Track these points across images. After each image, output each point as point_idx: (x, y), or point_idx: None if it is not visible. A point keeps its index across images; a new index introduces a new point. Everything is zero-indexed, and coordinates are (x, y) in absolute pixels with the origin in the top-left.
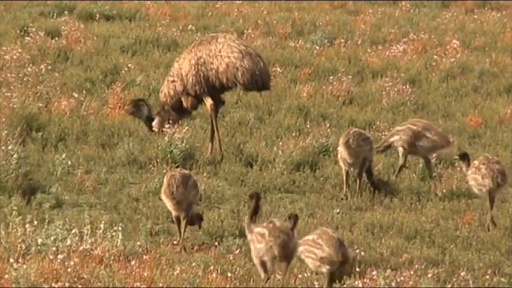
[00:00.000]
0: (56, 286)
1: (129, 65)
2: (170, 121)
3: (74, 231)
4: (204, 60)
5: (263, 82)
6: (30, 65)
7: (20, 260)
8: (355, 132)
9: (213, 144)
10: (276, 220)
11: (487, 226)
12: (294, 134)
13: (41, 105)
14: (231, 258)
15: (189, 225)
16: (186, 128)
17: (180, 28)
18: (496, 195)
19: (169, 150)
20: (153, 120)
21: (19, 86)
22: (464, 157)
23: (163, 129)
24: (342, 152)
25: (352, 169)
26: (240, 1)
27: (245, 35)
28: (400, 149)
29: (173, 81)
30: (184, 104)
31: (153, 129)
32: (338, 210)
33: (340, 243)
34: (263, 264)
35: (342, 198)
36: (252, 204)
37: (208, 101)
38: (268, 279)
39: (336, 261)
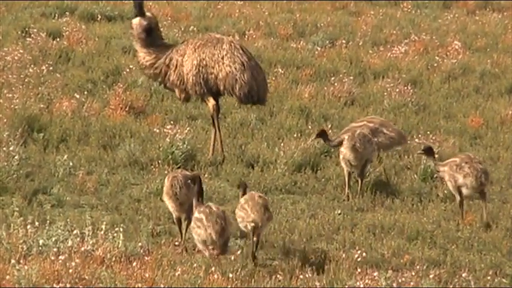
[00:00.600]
0: (57, 287)
1: (131, 66)
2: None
3: (75, 232)
4: (206, 63)
5: (259, 98)
6: (32, 66)
7: (21, 261)
8: (361, 134)
9: (215, 145)
10: (212, 204)
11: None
12: (295, 135)
13: (42, 106)
14: (232, 259)
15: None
16: (188, 129)
17: (182, 29)
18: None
19: (170, 151)
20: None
21: (20, 87)
22: (429, 151)
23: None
24: (346, 154)
25: (354, 170)
26: (242, 2)
27: (246, 36)
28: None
29: (168, 65)
30: (177, 95)
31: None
32: (339, 211)
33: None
34: (206, 247)
35: (343, 199)
36: (196, 188)
37: (210, 101)
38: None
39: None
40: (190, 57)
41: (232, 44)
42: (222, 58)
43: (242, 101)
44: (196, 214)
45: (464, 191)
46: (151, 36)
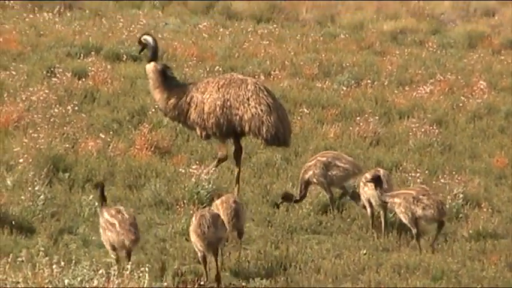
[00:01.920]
0: None
1: (156, 106)
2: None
3: (100, 271)
4: (231, 104)
5: (284, 140)
6: (57, 105)
7: None
8: (385, 174)
9: (239, 185)
10: (123, 209)
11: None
12: None
13: (67, 146)
14: None
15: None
16: (213, 169)
17: (207, 69)
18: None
19: (196, 191)
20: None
21: (46, 126)
22: (378, 180)
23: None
24: (372, 195)
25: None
26: (267, 42)
27: (272, 76)
28: (320, 183)
29: (189, 103)
30: (198, 132)
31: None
32: (365, 251)
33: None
34: (113, 249)
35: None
36: (98, 194)
37: (222, 152)
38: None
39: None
40: (213, 95)
41: (257, 85)
42: (248, 99)
43: (268, 143)
44: (107, 216)
45: (423, 222)
46: (168, 78)
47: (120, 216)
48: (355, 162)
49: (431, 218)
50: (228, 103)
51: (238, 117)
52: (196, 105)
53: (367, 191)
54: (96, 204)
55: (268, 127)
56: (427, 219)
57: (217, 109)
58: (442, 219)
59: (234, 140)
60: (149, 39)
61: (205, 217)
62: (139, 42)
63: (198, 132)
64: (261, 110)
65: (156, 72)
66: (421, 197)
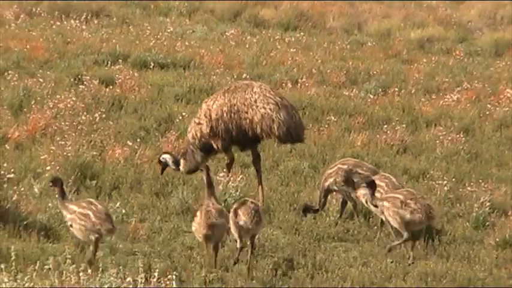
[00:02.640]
0: None
1: (183, 114)
2: (195, 161)
3: (128, 279)
4: (238, 109)
5: (298, 135)
6: (84, 113)
7: None
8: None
9: (263, 193)
10: (94, 201)
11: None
12: None
13: (95, 153)
14: None
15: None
16: (240, 176)
17: (235, 77)
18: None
19: (223, 199)
20: (179, 164)
21: (73, 134)
22: (371, 184)
23: (190, 170)
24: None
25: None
26: (294, 50)
27: (299, 84)
28: (342, 190)
29: (199, 123)
30: (215, 145)
31: (181, 172)
32: (391, 259)
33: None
34: (87, 240)
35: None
36: (58, 190)
37: (229, 155)
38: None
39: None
40: (219, 102)
41: (262, 86)
42: (255, 101)
43: (282, 140)
44: (77, 209)
45: (412, 227)
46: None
47: (93, 207)
48: (376, 170)
49: (419, 222)
50: (236, 108)
51: (248, 121)
52: (205, 116)
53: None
54: (124, 211)
55: (280, 124)
56: (416, 223)
57: (225, 115)
58: (430, 224)
59: (251, 149)
60: (167, 157)
61: (211, 212)
62: (159, 162)
63: (215, 145)
64: (270, 109)
65: (173, 158)
66: (408, 201)
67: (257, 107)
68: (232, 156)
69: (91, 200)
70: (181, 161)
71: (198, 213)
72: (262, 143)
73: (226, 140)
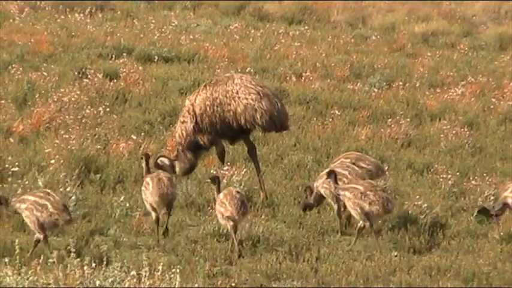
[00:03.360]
0: None
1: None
2: (188, 161)
3: (132, 273)
4: (221, 101)
5: (281, 123)
6: (89, 107)
7: None
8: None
9: (263, 186)
10: (49, 191)
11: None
12: None
13: (99, 147)
14: None
15: None
16: (244, 170)
17: (239, 70)
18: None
19: None
20: (174, 167)
21: (77, 128)
22: (331, 174)
23: (186, 170)
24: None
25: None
26: (298, 43)
27: (303, 78)
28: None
29: (184, 121)
30: (201, 141)
31: (178, 174)
32: (396, 253)
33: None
34: (42, 229)
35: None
36: None
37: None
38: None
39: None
40: (201, 97)
41: (242, 77)
42: (237, 93)
43: (266, 129)
44: (34, 198)
45: (371, 218)
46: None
47: (51, 197)
48: (378, 163)
49: (376, 214)
50: (218, 100)
51: (232, 113)
52: (189, 113)
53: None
54: (128, 205)
55: (262, 114)
56: (373, 215)
57: (208, 109)
58: (387, 216)
59: (244, 141)
60: (165, 161)
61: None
62: (156, 165)
63: (201, 141)
64: (252, 99)
65: (170, 161)
66: (368, 192)
67: (239, 98)
68: (222, 148)
69: (47, 190)
70: (176, 164)
71: (150, 181)
72: (265, 137)
73: (212, 134)
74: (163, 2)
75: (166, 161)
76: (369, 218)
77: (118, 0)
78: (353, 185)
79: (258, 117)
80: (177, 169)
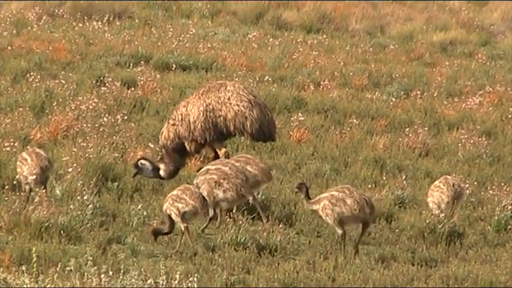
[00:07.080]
0: None
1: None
2: (173, 163)
3: (149, 281)
4: (213, 107)
5: (270, 133)
6: (106, 115)
7: None
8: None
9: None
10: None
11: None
12: (369, 186)
13: (116, 155)
14: None
15: None
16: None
17: (257, 79)
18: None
19: None
20: (159, 169)
21: (95, 136)
22: (302, 187)
23: (171, 172)
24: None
25: None
26: (317, 52)
27: (321, 87)
28: None
29: (174, 124)
30: (188, 148)
31: (163, 177)
32: (413, 262)
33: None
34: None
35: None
36: None
37: (222, 150)
38: None
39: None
40: (196, 104)
41: (235, 85)
42: (229, 99)
43: (254, 138)
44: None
45: (348, 222)
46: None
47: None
48: (265, 168)
49: (355, 217)
50: (211, 106)
51: (222, 118)
52: (182, 119)
53: None
54: (145, 213)
55: (252, 122)
56: (350, 220)
57: (201, 115)
58: (366, 219)
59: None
60: (146, 163)
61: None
62: (136, 166)
63: (188, 148)
64: (243, 107)
65: (151, 164)
66: (345, 198)
67: (230, 104)
68: (225, 149)
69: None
70: (161, 166)
71: (28, 157)
72: (283, 146)
73: (202, 143)
74: (181, 10)
75: (147, 164)
76: (343, 223)
77: (136, 7)
78: (326, 194)
79: (248, 125)
80: (162, 172)
